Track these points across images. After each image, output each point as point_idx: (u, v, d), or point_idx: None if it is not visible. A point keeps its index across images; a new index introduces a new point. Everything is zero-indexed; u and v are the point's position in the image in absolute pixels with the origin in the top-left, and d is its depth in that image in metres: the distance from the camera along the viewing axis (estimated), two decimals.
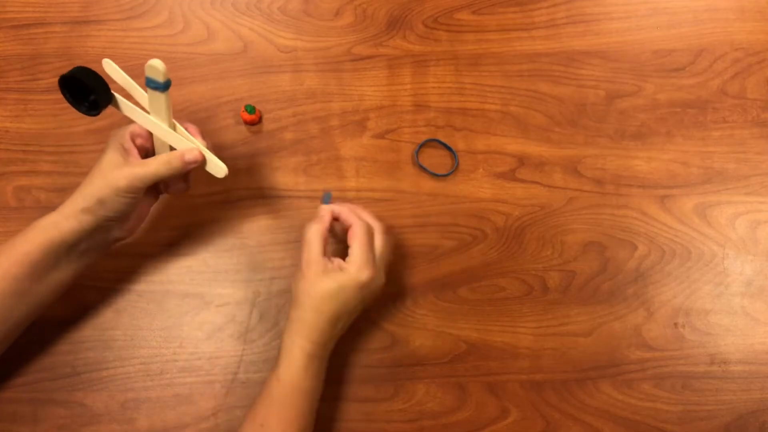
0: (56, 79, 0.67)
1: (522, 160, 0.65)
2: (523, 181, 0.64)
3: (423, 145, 0.65)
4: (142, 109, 0.50)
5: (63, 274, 0.50)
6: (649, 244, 0.62)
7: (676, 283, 0.61)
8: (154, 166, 0.48)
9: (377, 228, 0.53)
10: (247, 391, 0.57)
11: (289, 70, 0.68)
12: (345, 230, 0.53)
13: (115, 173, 0.48)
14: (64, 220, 0.48)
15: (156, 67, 0.45)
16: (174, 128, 0.50)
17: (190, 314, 0.59)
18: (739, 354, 0.59)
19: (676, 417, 0.58)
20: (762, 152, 0.66)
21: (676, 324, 0.60)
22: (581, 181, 0.64)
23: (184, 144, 0.50)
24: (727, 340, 0.60)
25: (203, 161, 0.50)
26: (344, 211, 0.53)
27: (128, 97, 0.50)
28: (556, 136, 0.66)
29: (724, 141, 0.66)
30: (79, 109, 0.48)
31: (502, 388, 0.58)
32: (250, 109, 0.64)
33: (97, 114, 0.48)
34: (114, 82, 0.50)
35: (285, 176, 0.64)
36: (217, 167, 0.51)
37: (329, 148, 0.65)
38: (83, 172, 0.63)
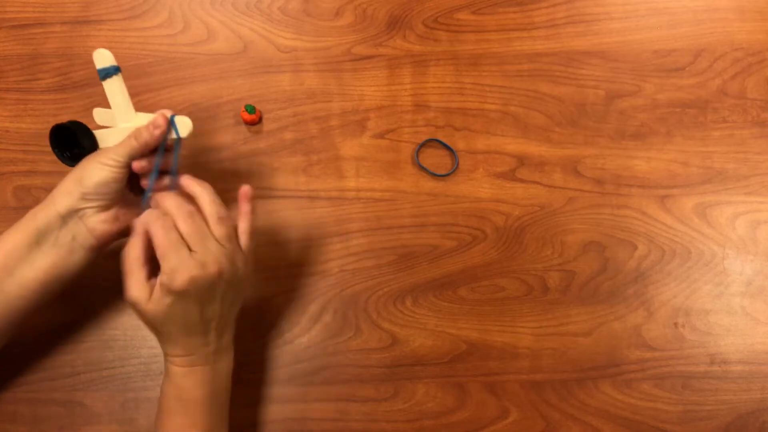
0: (56, 79, 0.68)
1: (522, 160, 0.65)
2: (523, 181, 0.64)
3: (423, 145, 0.65)
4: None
5: (33, 269, 0.48)
6: (649, 244, 0.62)
7: (676, 283, 0.61)
8: (125, 141, 0.49)
9: (212, 213, 0.47)
10: (246, 391, 0.57)
11: (289, 70, 0.68)
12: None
13: (96, 154, 0.50)
14: (42, 206, 0.49)
15: (104, 54, 0.48)
16: (134, 115, 0.51)
17: None
18: (739, 354, 0.59)
19: (676, 417, 0.58)
20: (762, 152, 0.66)
21: (676, 324, 0.60)
22: (581, 181, 0.64)
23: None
24: (727, 340, 0.60)
25: (167, 125, 0.49)
26: (146, 218, 0.46)
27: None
28: (556, 136, 0.66)
29: (724, 141, 0.66)
30: (62, 158, 0.51)
31: (502, 388, 0.58)
32: (250, 109, 0.64)
33: (74, 165, 0.50)
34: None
35: (285, 176, 0.64)
36: (183, 123, 0.50)
37: (329, 148, 0.65)
38: None
